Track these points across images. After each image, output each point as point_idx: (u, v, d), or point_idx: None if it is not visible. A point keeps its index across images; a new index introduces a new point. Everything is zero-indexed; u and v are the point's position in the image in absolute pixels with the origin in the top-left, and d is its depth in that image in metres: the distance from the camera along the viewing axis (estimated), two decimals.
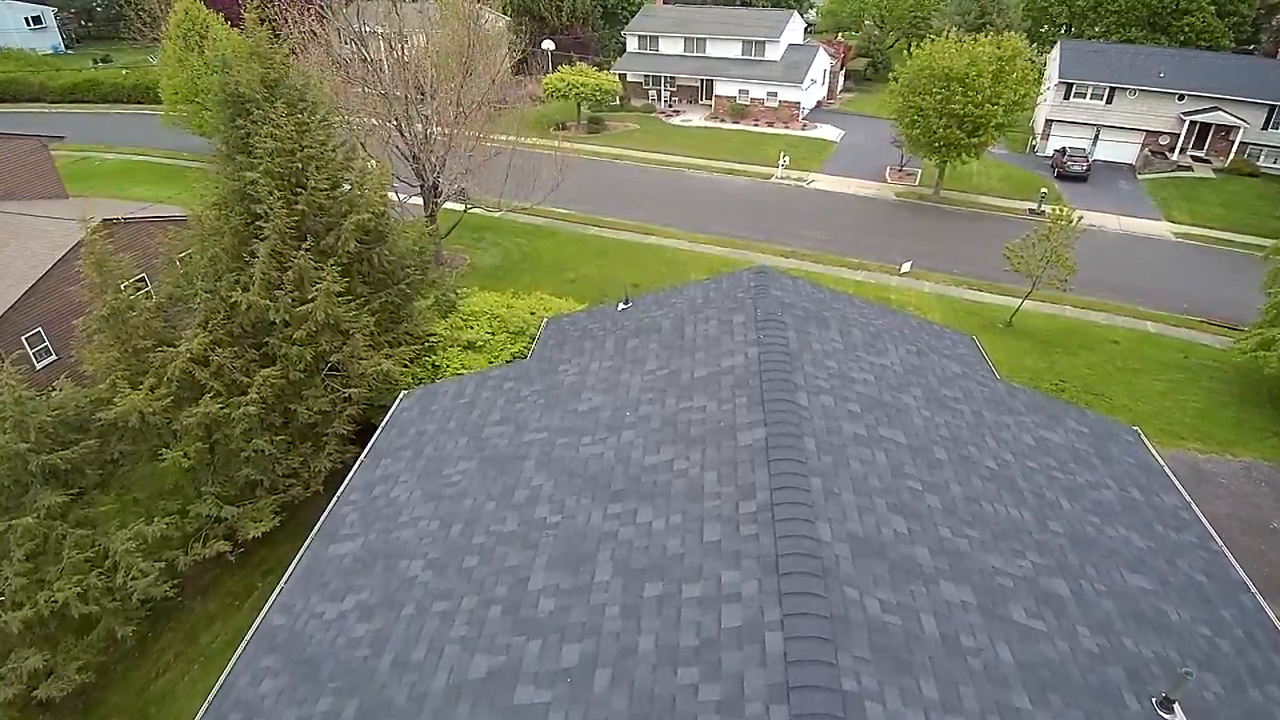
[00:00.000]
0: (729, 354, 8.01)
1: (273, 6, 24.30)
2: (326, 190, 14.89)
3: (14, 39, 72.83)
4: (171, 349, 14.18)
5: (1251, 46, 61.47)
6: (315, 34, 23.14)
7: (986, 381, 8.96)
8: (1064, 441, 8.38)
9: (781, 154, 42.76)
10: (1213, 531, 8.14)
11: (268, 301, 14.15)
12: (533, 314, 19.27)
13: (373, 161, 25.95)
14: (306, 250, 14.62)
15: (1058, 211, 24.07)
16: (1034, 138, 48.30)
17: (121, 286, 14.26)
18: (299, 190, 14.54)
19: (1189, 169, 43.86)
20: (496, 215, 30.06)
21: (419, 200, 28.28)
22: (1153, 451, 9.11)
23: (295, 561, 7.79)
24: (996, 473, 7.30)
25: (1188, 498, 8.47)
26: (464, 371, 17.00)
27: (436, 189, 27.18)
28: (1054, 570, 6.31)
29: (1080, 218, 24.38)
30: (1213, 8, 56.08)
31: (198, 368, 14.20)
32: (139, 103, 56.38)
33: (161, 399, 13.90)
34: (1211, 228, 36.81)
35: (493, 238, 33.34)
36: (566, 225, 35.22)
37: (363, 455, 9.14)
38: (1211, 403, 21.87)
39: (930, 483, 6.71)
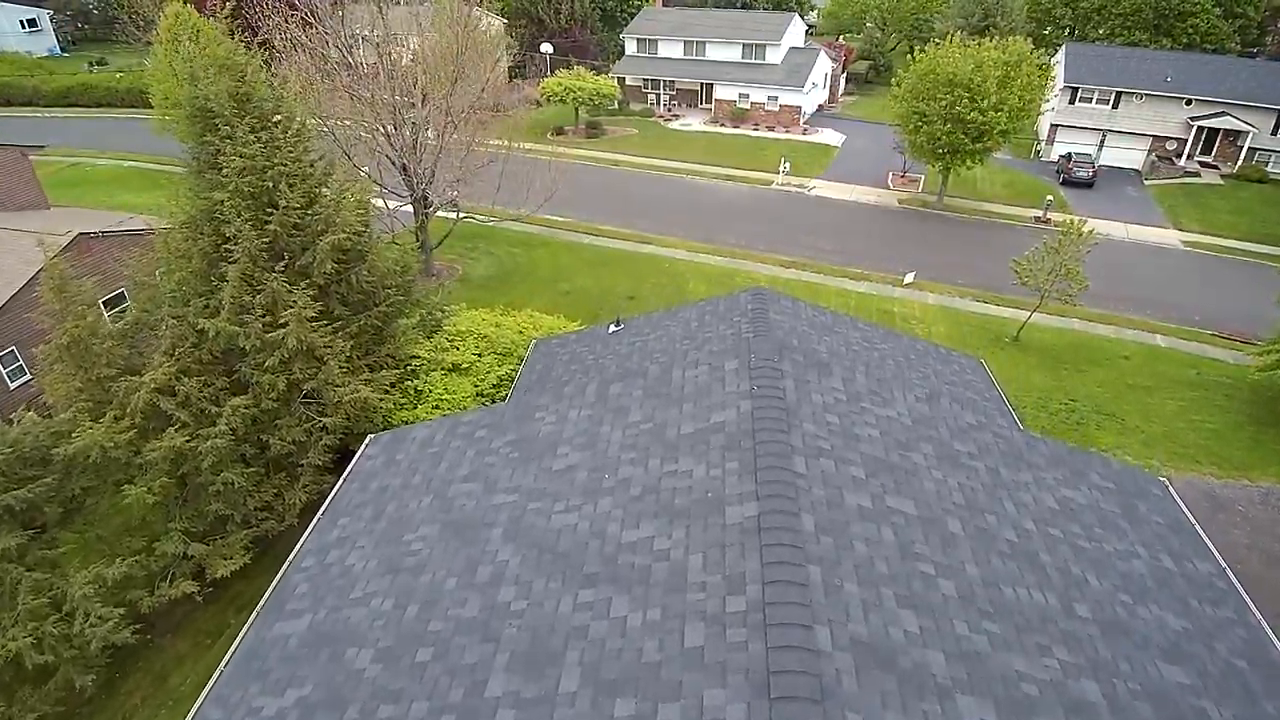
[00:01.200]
0: (719, 407, 7.25)
1: (254, 11, 23.61)
2: (300, 209, 14.15)
3: (9, 42, 72.24)
4: (135, 378, 13.45)
5: (1256, 49, 60.62)
6: (296, 42, 22.37)
7: (1003, 432, 8.19)
8: (1089, 502, 7.61)
9: (782, 160, 42.02)
10: (1250, 602, 7.39)
11: (237, 328, 13.41)
12: (521, 333, 18.54)
13: (363, 171, 25.27)
14: (280, 272, 13.90)
15: (1068, 224, 23.28)
16: (1039, 143, 47.51)
17: (84, 311, 13.51)
18: (271, 210, 13.80)
19: (1196, 175, 43.07)
20: (492, 223, 29.33)
21: (410, 208, 27.54)
22: (1183, 507, 8.34)
23: (238, 640, 7.04)
24: (1017, 546, 6.53)
25: (1223, 563, 7.71)
26: (447, 397, 16.28)
27: (426, 200, 26.43)
28: (1084, 669, 5.55)
29: (1091, 230, 23.58)
30: (1218, 10, 55.28)
31: (163, 398, 13.46)
32: (133, 107, 55.65)
33: (124, 431, 13.17)
34: (1221, 236, 36.02)
35: (486, 247, 32.61)
36: (562, 234, 34.50)
37: (320, 512, 8.39)
38: (1226, 423, 21.08)
39: (944, 565, 5.95)
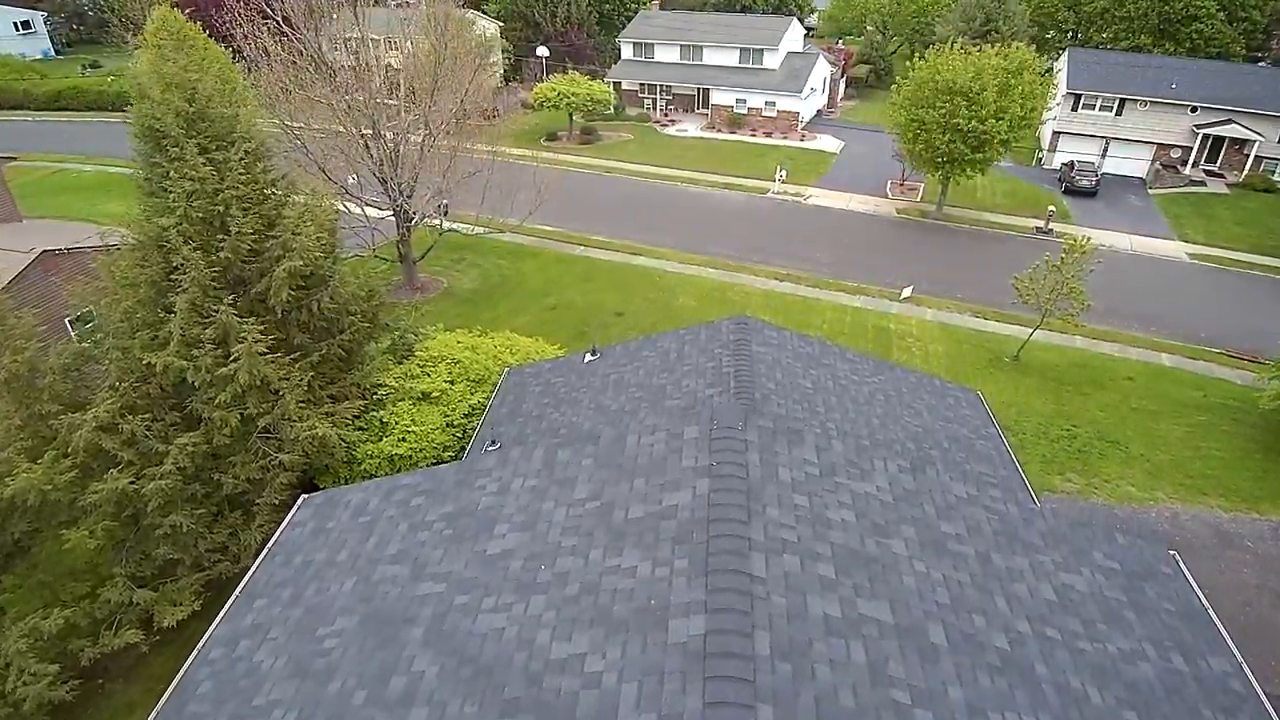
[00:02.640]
0: (674, 485, 6.43)
1: (223, 19, 22.84)
2: (255, 234, 13.35)
3: (2, 44, 71.60)
4: (78, 416, 12.66)
5: (1260, 54, 59.69)
6: (269, 52, 21.59)
7: (996, 505, 7.36)
8: (1091, 589, 6.79)
9: (778, 167, 41.19)
10: (1269, 706, 6.55)
11: (185, 362, 12.62)
12: (497, 359, 17.72)
13: (351, 179, 24.45)
14: (232, 303, 13.10)
15: (1071, 241, 22.41)
16: (1041, 150, 46.62)
17: (23, 346, 12.69)
18: (223, 236, 13.00)
19: (1202, 184, 42.16)
20: (480, 232, 28.49)
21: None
22: (1194, 586, 7.51)
23: None
24: (1009, 657, 5.71)
25: (1239, 657, 6.87)
26: (415, 429, 15.48)
27: (408, 213, 25.64)
28: None
29: (1095, 247, 22.67)
30: (1222, 14, 54.39)
31: (106, 436, 12.67)
32: (123, 111, 54.63)
33: (65, 472, 12.38)
34: (1227, 247, 35.13)
35: (473, 258, 31.80)
36: (552, 244, 33.70)
37: (239, 589, 7.59)
38: (1234, 451, 20.21)
39: (923, 690, 5.13)
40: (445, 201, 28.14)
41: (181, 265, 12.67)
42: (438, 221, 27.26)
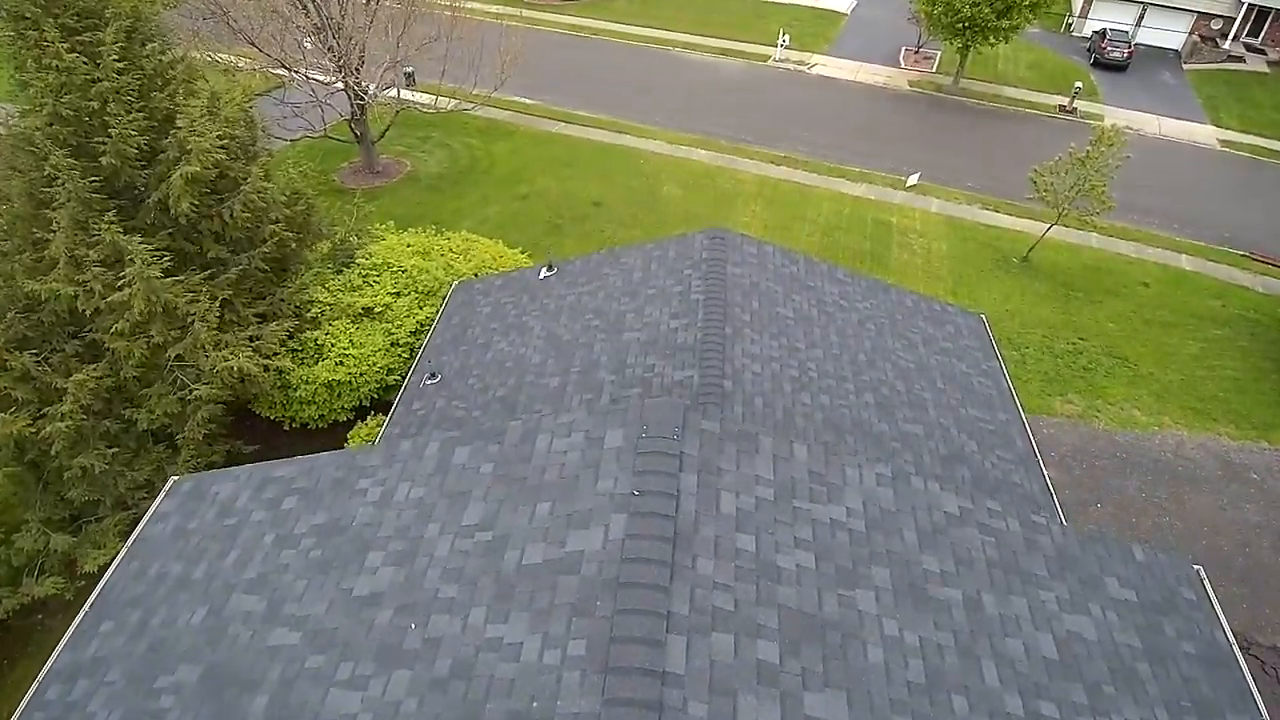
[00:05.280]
0: (583, 519, 5.07)
1: None
2: (144, 134, 11.28)
3: None
4: None
5: None
6: None
7: (994, 522, 6.02)
8: (1100, 635, 5.57)
9: (781, 32, 37.36)
10: None
11: (73, 288, 10.97)
12: (450, 267, 15.99)
13: (303, 44, 21.62)
14: (120, 213, 11.26)
15: (1101, 132, 19.97)
16: (1071, 15, 42.30)
17: None
18: (103, 139, 10.97)
19: (1241, 60, 38.41)
20: (451, 106, 25.65)
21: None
22: (1220, 615, 6.32)
23: None
24: None
25: (1265, 714, 5.77)
26: (353, 351, 14.02)
27: (361, 89, 22.92)
28: None
29: (1126, 140, 20.19)
30: None
31: None
32: None
33: None
34: (1263, 135, 32.24)
35: (440, 137, 29.08)
36: (529, 120, 30.84)
37: (86, 605, 6.40)
38: (1249, 370, 18.83)
39: None
40: (410, 69, 25.26)
41: (54, 174, 10.74)
42: (395, 93, 24.41)
